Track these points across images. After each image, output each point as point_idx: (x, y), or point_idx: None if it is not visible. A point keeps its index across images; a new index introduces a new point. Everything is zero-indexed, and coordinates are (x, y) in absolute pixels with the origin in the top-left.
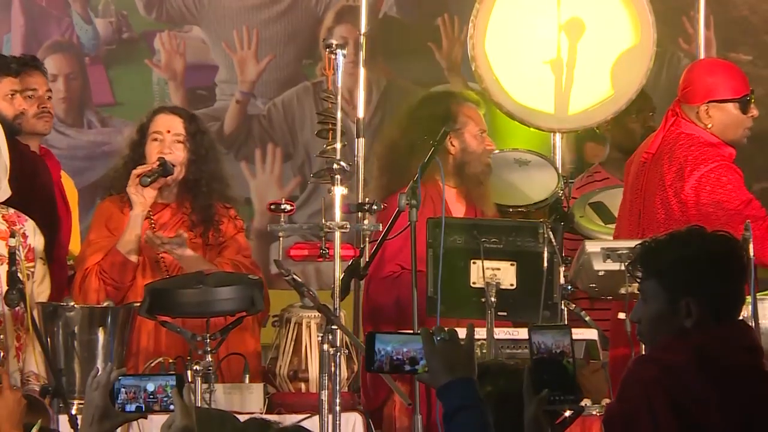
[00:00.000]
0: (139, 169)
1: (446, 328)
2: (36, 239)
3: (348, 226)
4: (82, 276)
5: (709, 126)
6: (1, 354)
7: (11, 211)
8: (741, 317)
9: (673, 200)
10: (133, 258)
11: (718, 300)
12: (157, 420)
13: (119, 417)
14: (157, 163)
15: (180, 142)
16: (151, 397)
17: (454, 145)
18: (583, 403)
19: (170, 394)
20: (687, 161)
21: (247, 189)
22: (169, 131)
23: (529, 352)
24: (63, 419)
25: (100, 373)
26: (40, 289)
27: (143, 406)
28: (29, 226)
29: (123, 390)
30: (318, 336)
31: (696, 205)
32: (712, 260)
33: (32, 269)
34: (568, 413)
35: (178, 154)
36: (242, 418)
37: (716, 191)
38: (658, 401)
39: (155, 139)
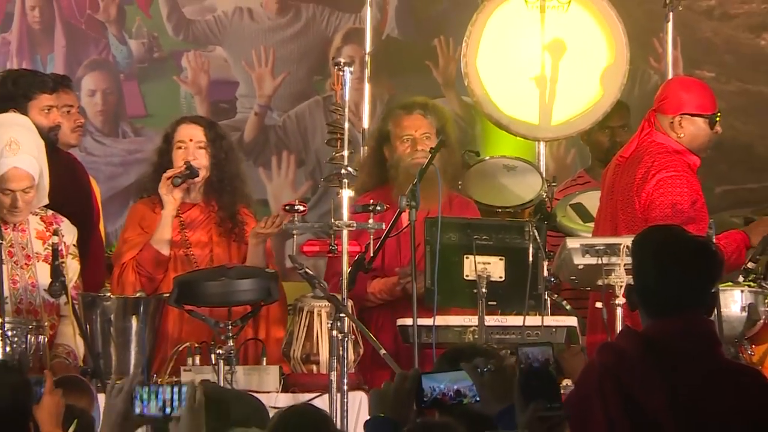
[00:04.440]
0: (169, 172)
1: (491, 360)
2: (69, 236)
3: (354, 224)
4: (120, 270)
5: (681, 136)
6: (45, 339)
7: (49, 212)
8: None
9: (636, 200)
10: (165, 252)
11: (658, 290)
12: None
13: (138, 420)
14: (184, 166)
15: (202, 148)
16: (168, 402)
17: (389, 155)
18: (564, 383)
19: (184, 399)
20: (653, 166)
21: (264, 192)
22: (191, 140)
23: (517, 366)
24: (100, 398)
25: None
26: (67, 280)
27: (161, 410)
28: (65, 226)
29: (142, 395)
30: (328, 323)
31: (650, 205)
32: (648, 253)
33: (64, 263)
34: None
35: (201, 160)
36: (260, 397)
37: (671, 195)
38: (608, 386)
39: (180, 147)
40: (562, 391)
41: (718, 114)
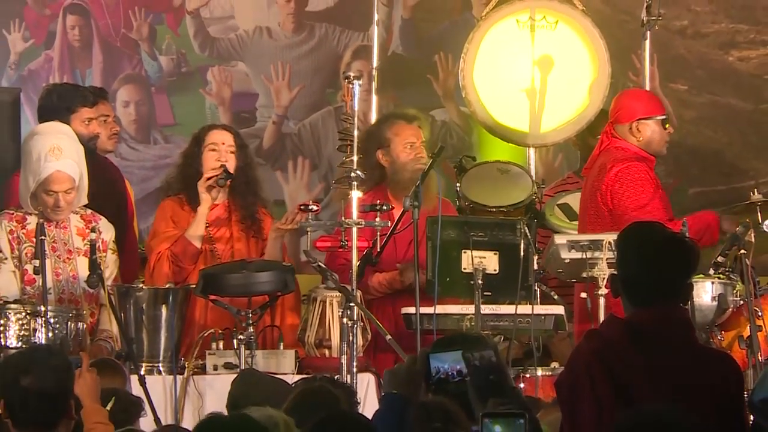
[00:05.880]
0: (210, 173)
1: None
2: (108, 234)
3: (363, 222)
4: (156, 259)
5: (640, 139)
6: (84, 325)
7: (88, 211)
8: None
9: (598, 194)
10: (198, 245)
11: (641, 281)
12: (210, 379)
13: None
14: (222, 169)
15: (232, 152)
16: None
17: (387, 161)
18: (552, 366)
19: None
20: (610, 160)
21: (281, 193)
22: (223, 143)
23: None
24: (133, 378)
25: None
26: (108, 273)
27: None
28: (103, 223)
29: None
30: (339, 311)
31: (612, 194)
32: (632, 247)
33: (104, 257)
34: None
35: (231, 163)
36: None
37: (627, 184)
38: (596, 369)
39: (213, 150)
40: (550, 373)
41: (666, 115)
